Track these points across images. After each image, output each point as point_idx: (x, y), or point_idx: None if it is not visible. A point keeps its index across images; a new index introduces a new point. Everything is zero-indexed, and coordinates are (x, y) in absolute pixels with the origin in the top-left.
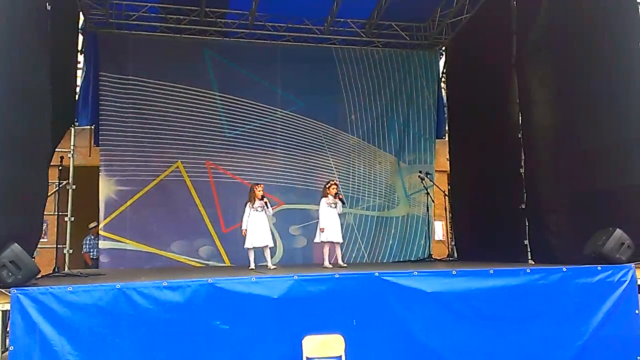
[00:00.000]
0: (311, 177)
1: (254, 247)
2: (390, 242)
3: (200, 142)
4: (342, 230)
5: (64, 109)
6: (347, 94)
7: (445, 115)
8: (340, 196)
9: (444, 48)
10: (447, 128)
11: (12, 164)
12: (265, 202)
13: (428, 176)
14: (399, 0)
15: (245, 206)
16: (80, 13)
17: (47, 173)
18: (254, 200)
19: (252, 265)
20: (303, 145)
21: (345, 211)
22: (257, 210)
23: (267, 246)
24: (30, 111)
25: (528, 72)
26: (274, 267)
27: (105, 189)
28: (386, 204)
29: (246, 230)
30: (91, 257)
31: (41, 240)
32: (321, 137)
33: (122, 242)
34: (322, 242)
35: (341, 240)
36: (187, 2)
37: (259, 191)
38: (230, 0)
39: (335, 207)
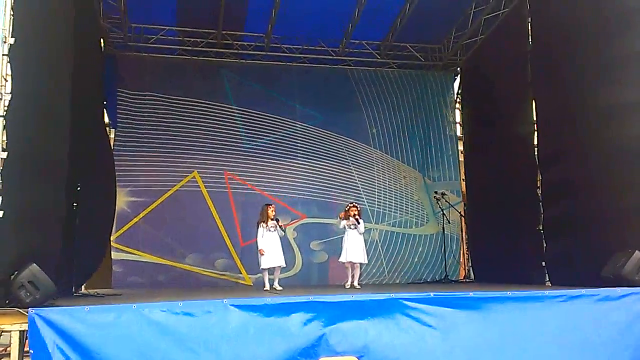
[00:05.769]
0: (334, 190)
1: (269, 268)
2: (416, 260)
3: (217, 151)
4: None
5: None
6: (367, 109)
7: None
8: (357, 217)
9: (458, 69)
10: (462, 148)
11: (29, 183)
12: (277, 222)
13: (444, 196)
14: (413, 22)
15: (258, 227)
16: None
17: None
18: (267, 221)
19: (267, 287)
20: (325, 157)
21: (370, 227)
22: (270, 231)
23: (279, 266)
24: (50, 133)
25: (543, 91)
26: (281, 288)
27: (118, 200)
28: (413, 220)
29: (263, 250)
30: None
31: None
32: (343, 149)
33: (135, 254)
34: (346, 262)
35: (363, 261)
36: (204, 25)
37: (272, 211)
38: (246, 22)
39: (355, 228)
